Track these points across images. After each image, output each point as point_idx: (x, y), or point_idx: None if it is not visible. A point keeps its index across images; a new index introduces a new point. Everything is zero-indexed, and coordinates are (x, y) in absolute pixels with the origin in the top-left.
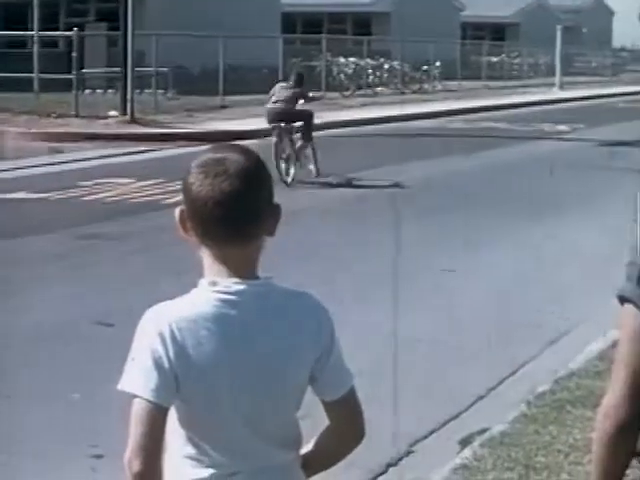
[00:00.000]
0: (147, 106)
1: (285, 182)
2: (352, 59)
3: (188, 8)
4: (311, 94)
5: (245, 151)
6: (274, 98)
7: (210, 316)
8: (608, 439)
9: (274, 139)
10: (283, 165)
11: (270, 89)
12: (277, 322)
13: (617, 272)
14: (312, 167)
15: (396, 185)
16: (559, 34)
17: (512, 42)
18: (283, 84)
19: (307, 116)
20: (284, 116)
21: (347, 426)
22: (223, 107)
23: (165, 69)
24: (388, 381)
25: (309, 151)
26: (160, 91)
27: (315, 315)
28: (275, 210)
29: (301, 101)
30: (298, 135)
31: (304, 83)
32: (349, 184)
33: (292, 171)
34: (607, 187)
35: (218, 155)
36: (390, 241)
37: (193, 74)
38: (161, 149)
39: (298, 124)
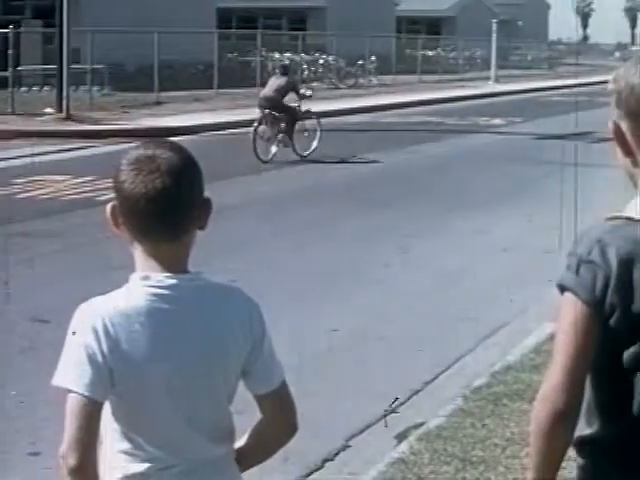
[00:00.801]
0: (83, 103)
1: (263, 160)
2: (287, 54)
3: (124, 5)
4: (302, 91)
5: (176, 148)
6: (267, 88)
7: (143, 310)
8: (545, 428)
9: (255, 123)
10: (264, 145)
11: (205, 85)
12: (209, 316)
13: (551, 266)
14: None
15: (325, 181)
16: (494, 27)
17: (448, 36)
18: (275, 76)
19: (291, 113)
20: (271, 103)
21: (280, 419)
22: (158, 103)
23: (101, 66)
24: (324, 376)
25: (290, 137)
26: (96, 88)
27: (246, 310)
28: (206, 204)
29: (292, 94)
30: (282, 126)
31: (289, 72)
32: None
33: (273, 150)
34: (541, 181)
35: (149, 152)
36: (322, 237)
37: (129, 71)
38: (97, 146)
39: (283, 114)
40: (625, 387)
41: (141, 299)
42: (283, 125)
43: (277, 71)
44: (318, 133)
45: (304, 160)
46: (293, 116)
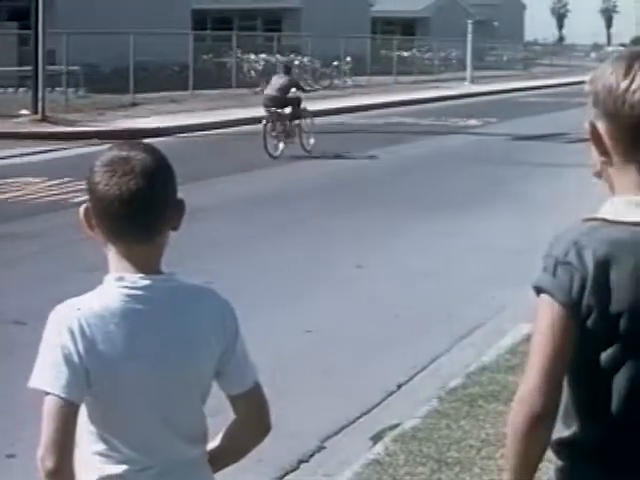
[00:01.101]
0: (58, 105)
1: (273, 156)
2: (262, 56)
3: (99, 6)
4: (303, 85)
5: (149, 149)
6: (270, 87)
7: (118, 311)
8: (522, 430)
9: (264, 121)
10: (273, 142)
11: (180, 86)
12: (182, 317)
13: (526, 267)
14: (298, 141)
15: (302, 182)
16: (470, 28)
17: (423, 37)
18: (277, 75)
19: (295, 100)
20: (275, 102)
21: (253, 420)
22: (134, 105)
23: (76, 67)
24: (298, 377)
25: (296, 129)
26: (71, 89)
27: (219, 310)
28: (179, 205)
29: (293, 89)
30: (289, 125)
31: (292, 72)
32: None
33: (281, 146)
34: (517, 181)
35: (123, 153)
36: (299, 238)
37: (104, 72)
38: (72, 147)
39: (288, 110)
40: (603, 388)
41: (116, 300)
42: (288, 121)
43: (281, 69)
44: (313, 131)
45: (297, 159)
46: (296, 104)
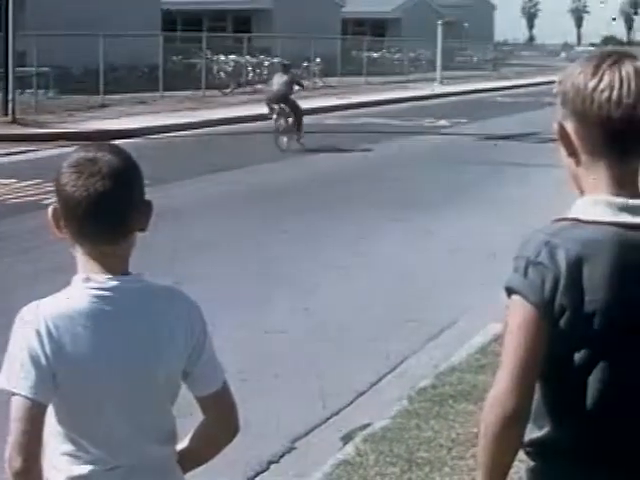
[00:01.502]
0: (29, 106)
1: (282, 149)
2: (232, 57)
3: (69, 8)
4: (302, 82)
5: (116, 150)
6: (274, 85)
7: (85, 312)
8: (495, 432)
9: (274, 116)
10: (280, 137)
11: (150, 87)
12: (149, 317)
13: (495, 267)
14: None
15: (269, 184)
16: (439, 29)
17: (393, 38)
18: (278, 74)
19: (298, 110)
20: (281, 99)
21: (221, 420)
22: (104, 106)
23: (46, 69)
24: (269, 377)
25: (295, 125)
26: (41, 91)
27: (187, 311)
28: (147, 207)
29: (296, 87)
30: (292, 120)
31: (290, 70)
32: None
33: (285, 140)
34: (487, 182)
35: (90, 155)
36: (272, 238)
37: (74, 74)
38: (42, 149)
39: (290, 109)
40: (577, 387)
41: (83, 301)
42: (291, 118)
43: (280, 69)
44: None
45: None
46: (299, 110)
